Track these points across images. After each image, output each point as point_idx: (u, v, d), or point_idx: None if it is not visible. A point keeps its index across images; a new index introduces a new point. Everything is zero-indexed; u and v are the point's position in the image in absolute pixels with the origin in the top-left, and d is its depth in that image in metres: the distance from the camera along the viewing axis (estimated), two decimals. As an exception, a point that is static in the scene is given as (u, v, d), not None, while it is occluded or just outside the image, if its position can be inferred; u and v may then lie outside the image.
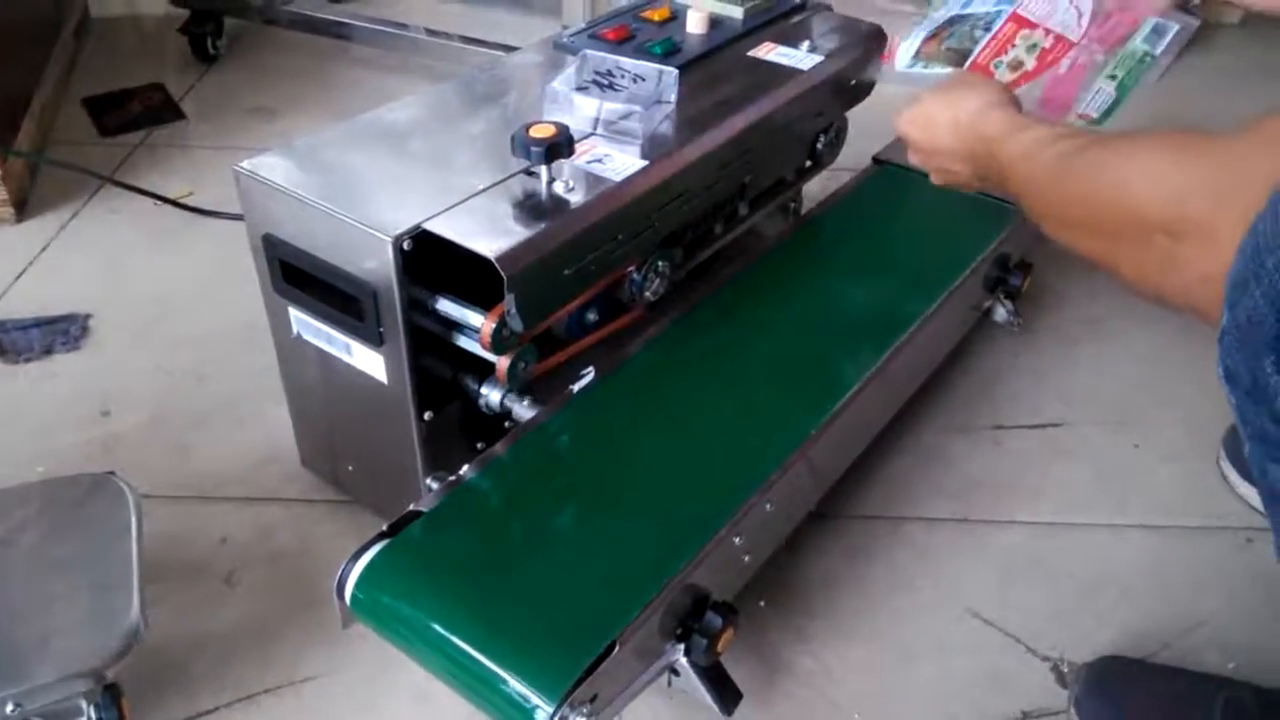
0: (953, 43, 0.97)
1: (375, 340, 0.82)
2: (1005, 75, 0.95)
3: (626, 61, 0.94)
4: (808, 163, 1.16)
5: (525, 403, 0.86)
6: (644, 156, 0.88)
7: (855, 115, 1.17)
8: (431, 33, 1.75)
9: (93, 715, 0.73)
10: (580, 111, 0.90)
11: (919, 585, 0.95)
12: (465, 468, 0.81)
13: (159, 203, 1.46)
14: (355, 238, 0.78)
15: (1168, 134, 0.59)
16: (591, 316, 0.94)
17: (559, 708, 0.64)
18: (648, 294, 0.94)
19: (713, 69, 1.03)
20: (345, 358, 0.87)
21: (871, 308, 1.02)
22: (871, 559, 0.98)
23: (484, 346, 0.80)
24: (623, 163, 0.87)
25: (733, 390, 0.90)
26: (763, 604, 0.92)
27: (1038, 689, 0.87)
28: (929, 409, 1.13)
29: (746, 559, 0.81)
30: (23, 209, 1.43)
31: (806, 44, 1.08)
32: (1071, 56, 0.97)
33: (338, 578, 0.73)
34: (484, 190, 0.82)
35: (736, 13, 1.10)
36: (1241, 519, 1.02)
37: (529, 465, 0.82)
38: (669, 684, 0.78)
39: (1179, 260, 0.56)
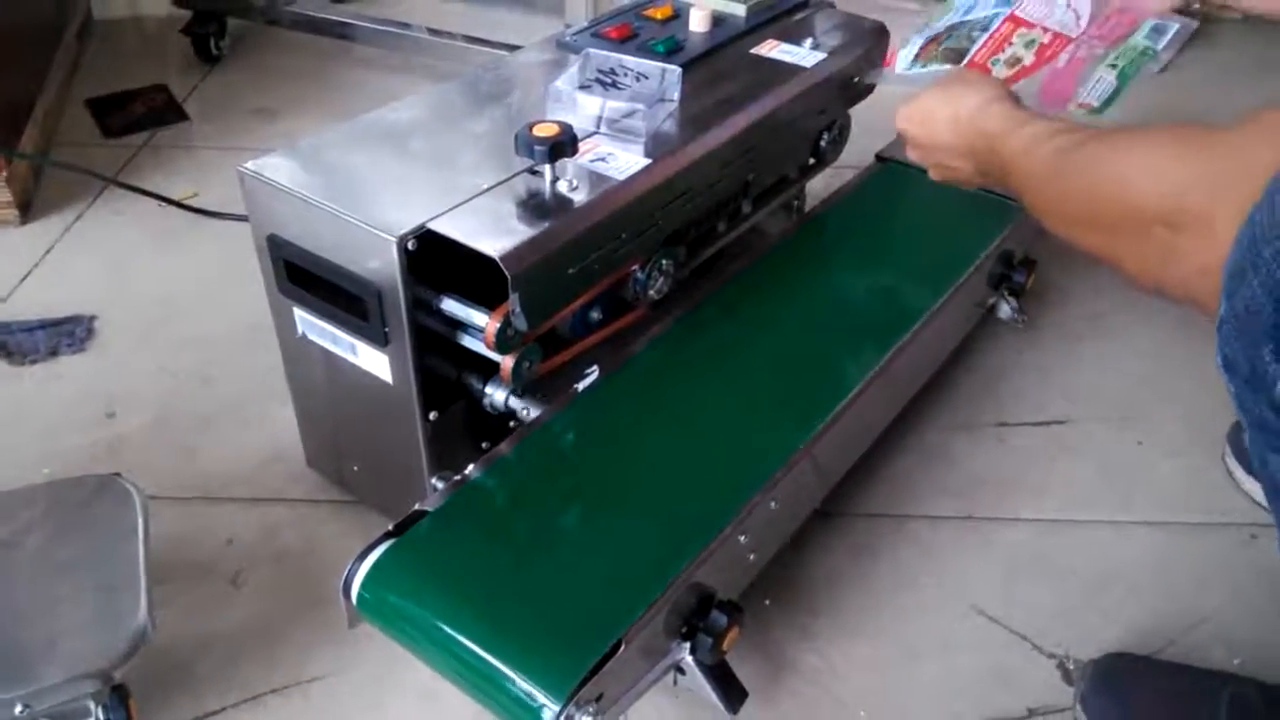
0: (951, 44, 0.96)
1: (380, 340, 0.82)
2: (1003, 71, 0.95)
3: (629, 60, 0.94)
4: (811, 160, 1.16)
5: (530, 402, 0.86)
6: (647, 155, 0.88)
7: (858, 112, 1.17)
8: (434, 32, 1.74)
9: (100, 716, 0.73)
10: (583, 110, 0.90)
11: (924, 583, 0.95)
12: (470, 467, 0.81)
13: (163, 204, 1.46)
14: (360, 238, 0.78)
15: (1166, 127, 0.59)
16: (595, 315, 0.94)
17: (565, 706, 0.64)
18: (651, 292, 0.94)
19: (716, 67, 1.03)
20: (350, 358, 0.87)
21: (875, 305, 1.02)
22: (876, 557, 0.98)
23: (489, 346, 0.80)
24: (626, 161, 0.87)
25: (737, 388, 0.90)
26: (768, 602, 0.92)
27: (1043, 686, 0.87)
28: (933, 406, 1.13)
29: (751, 557, 0.81)
30: (27, 211, 1.44)
31: (809, 41, 1.08)
32: (1070, 51, 0.96)
33: (344, 577, 0.73)
34: (488, 190, 0.83)
35: (739, 10, 1.10)
36: (1245, 515, 1.02)
37: (534, 464, 0.82)
38: (674, 682, 0.78)
39: (1178, 252, 0.56)
